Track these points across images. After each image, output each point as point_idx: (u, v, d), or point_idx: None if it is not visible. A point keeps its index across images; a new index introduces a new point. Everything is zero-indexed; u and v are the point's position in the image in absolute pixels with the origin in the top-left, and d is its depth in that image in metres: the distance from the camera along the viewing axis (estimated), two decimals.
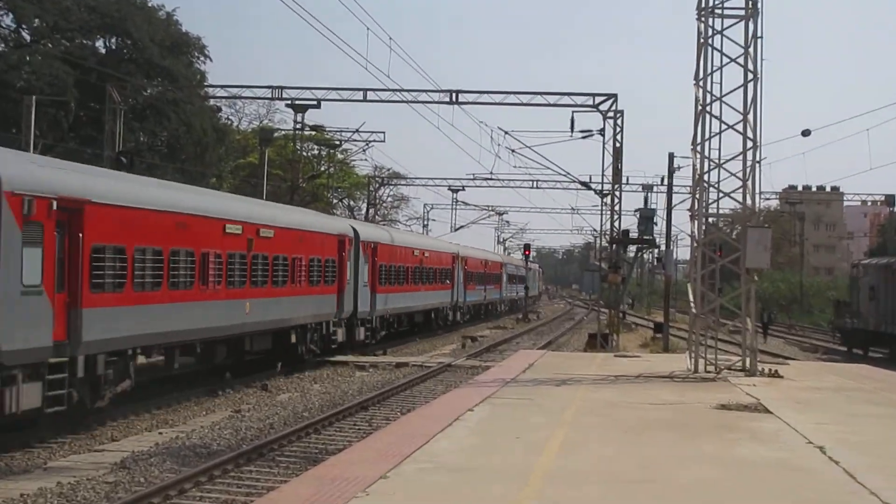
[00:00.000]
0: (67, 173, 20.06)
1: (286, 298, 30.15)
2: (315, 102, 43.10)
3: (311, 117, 58.24)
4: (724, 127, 25.33)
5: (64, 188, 19.03)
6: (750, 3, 24.96)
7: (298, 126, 53.42)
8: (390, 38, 36.94)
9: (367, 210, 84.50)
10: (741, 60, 24.97)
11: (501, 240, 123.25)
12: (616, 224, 43.63)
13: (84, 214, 19.52)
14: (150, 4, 60.22)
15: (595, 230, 69.31)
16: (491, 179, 68.94)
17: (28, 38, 56.15)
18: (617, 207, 43.40)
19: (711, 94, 25.25)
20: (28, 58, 53.05)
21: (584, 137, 44.42)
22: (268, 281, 28.61)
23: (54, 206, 18.46)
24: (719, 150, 25.62)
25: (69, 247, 19.10)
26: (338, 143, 64.81)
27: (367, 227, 43.75)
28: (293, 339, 31.37)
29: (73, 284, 19.16)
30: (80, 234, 19.36)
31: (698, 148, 25.39)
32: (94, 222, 19.80)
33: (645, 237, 49.51)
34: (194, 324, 24.35)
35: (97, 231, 19.92)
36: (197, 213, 24.72)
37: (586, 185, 56.50)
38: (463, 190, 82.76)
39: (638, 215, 52.23)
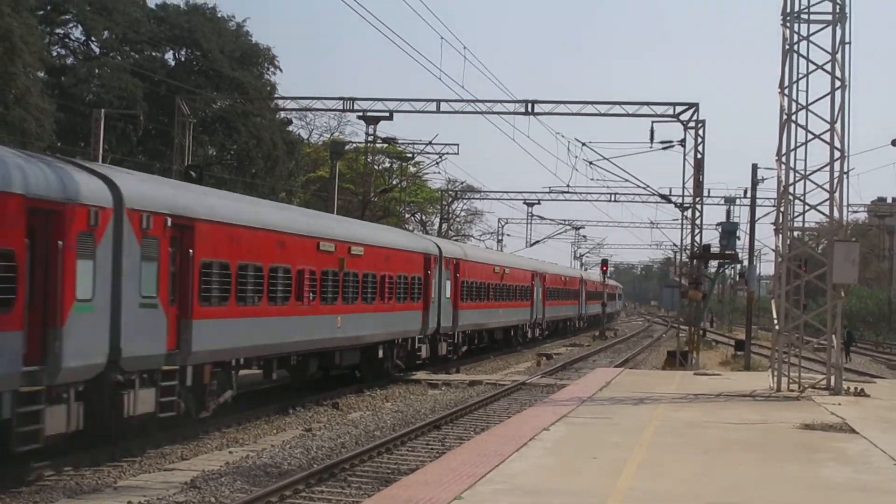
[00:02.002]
0: None
1: (374, 315, 30.40)
2: (387, 114, 42.69)
3: (383, 129, 58.00)
4: (810, 137, 24.75)
5: None
6: (837, 7, 24.31)
7: (370, 138, 53.20)
8: (464, 48, 36.49)
9: (440, 225, 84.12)
10: (828, 67, 24.31)
11: (578, 255, 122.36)
12: (697, 238, 42.75)
13: None
14: (220, 15, 60.66)
15: (675, 245, 68.24)
16: (567, 193, 68.25)
17: (97, 50, 56.79)
18: (698, 221, 42.54)
19: (797, 103, 24.67)
20: (97, 70, 53.65)
21: (664, 149, 43.66)
22: (357, 297, 28.88)
23: None
24: (805, 160, 25.07)
25: None
26: (410, 155, 64.52)
27: (450, 244, 44.31)
28: (380, 353, 31.84)
29: None
30: None
31: (783, 159, 24.82)
32: None
33: (727, 252, 48.55)
34: (289, 337, 24.49)
35: None
36: (293, 232, 24.93)
37: (666, 199, 55.80)
38: (538, 204, 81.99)
39: (720, 229, 51.31)
